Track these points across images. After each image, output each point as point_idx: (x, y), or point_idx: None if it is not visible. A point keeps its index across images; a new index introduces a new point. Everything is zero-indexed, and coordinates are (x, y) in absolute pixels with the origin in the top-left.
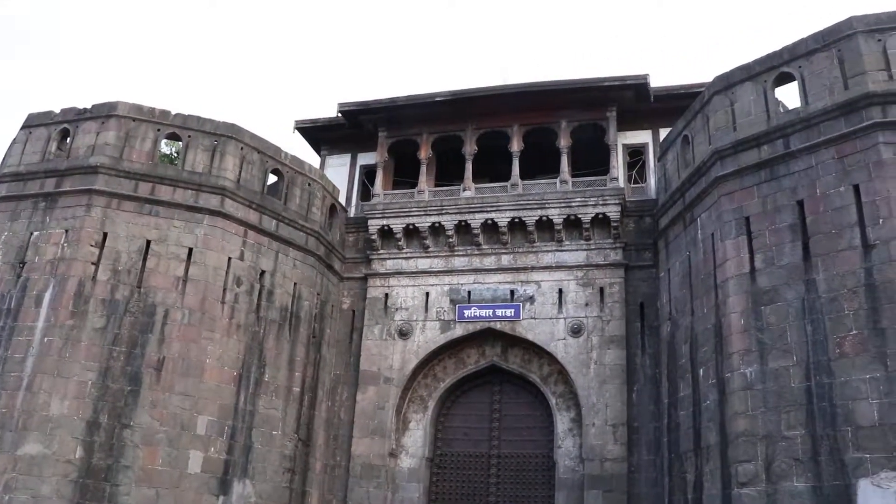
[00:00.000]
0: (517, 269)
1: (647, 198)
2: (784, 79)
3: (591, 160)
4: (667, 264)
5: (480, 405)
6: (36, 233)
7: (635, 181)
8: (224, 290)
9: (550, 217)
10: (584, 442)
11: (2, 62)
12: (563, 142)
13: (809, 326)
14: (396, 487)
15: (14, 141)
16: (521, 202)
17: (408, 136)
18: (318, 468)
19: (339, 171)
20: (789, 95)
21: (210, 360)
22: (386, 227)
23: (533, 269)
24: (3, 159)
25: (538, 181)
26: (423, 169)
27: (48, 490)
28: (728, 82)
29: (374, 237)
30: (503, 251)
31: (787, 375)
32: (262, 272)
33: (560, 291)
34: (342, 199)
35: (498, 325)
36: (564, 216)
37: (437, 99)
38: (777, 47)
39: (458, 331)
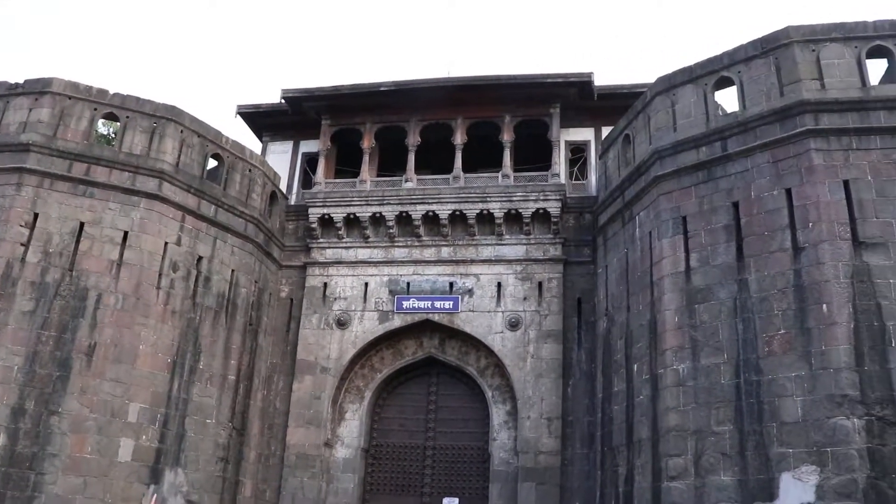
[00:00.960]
0: (457, 262)
1: (588, 195)
2: (724, 83)
3: (534, 155)
4: (605, 261)
5: (417, 397)
6: None
7: (577, 178)
8: (160, 275)
9: (491, 211)
10: (519, 435)
11: None
12: (507, 136)
13: (741, 325)
14: (331, 478)
15: None
16: (463, 195)
17: (351, 126)
18: (253, 457)
19: (281, 159)
20: (728, 99)
21: (144, 346)
22: (326, 216)
23: (472, 262)
24: None
25: (480, 174)
26: (366, 158)
27: None
28: (670, 84)
29: (314, 226)
30: (443, 243)
31: (718, 372)
32: (200, 258)
33: (499, 285)
34: (283, 187)
35: (436, 317)
36: (505, 210)
37: (381, 89)
38: (718, 52)
39: (397, 322)
